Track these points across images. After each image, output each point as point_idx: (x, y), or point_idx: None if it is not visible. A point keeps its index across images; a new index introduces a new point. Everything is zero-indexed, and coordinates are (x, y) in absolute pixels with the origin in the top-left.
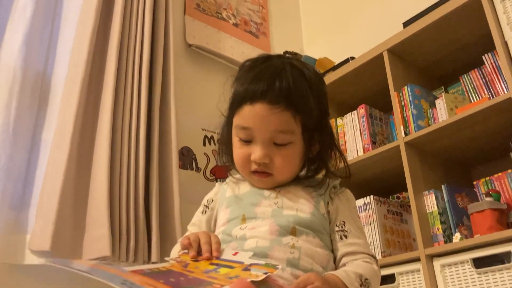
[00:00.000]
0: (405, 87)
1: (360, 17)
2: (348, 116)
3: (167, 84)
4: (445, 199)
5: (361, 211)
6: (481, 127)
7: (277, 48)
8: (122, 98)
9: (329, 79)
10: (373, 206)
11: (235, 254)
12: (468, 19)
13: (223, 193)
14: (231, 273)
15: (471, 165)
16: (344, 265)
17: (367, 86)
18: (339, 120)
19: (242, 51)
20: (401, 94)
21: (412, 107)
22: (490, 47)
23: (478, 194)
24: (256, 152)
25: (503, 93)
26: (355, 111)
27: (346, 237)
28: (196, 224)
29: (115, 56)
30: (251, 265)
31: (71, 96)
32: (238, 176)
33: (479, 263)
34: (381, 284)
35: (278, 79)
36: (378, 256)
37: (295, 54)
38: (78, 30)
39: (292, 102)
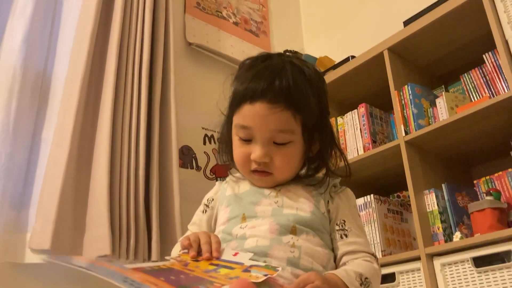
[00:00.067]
0: (406, 86)
1: (360, 16)
2: (349, 115)
3: (167, 83)
4: (446, 198)
5: (362, 210)
6: (481, 126)
7: (278, 47)
8: (122, 97)
9: (329, 78)
10: (373, 205)
11: (235, 254)
12: (468, 18)
13: (223, 192)
14: (231, 274)
15: (471, 164)
16: (344, 264)
17: (367, 85)
18: (339, 119)
19: (242, 50)
20: (401, 93)
21: (412, 106)
22: (490, 46)
23: (478, 193)
24: (256, 151)
25: (503, 92)
26: (356, 110)
27: (346, 236)
28: (197, 223)
29: (115, 55)
30: (251, 266)
31: (71, 95)
32: (238, 175)
33: (479, 262)
34: (382, 283)
35: (278, 78)
36: (378, 255)
37: (296, 52)
38: (78, 29)
39: (292, 101)
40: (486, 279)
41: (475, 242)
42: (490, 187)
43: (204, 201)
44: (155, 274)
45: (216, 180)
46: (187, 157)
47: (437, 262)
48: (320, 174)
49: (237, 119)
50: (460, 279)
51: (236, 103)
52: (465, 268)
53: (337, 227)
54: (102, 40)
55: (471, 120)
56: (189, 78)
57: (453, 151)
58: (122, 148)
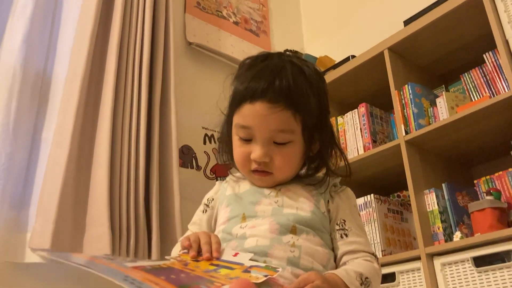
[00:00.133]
0: (406, 86)
1: (360, 16)
2: (349, 115)
3: (167, 82)
4: (446, 197)
5: (362, 210)
6: (481, 126)
7: (278, 46)
8: (122, 97)
9: (329, 77)
10: (373, 205)
11: (235, 255)
12: (469, 17)
13: (223, 191)
14: (231, 274)
15: (471, 163)
16: (344, 263)
17: (367, 85)
18: (339, 118)
19: (243, 49)
20: (401, 93)
21: (412, 105)
22: (491, 45)
23: (478, 192)
24: (256, 151)
25: (504, 92)
26: (356, 110)
27: (346, 235)
28: (197, 223)
29: (115, 55)
30: (251, 267)
31: (71, 95)
32: (238, 174)
33: (479, 261)
34: (382, 282)
35: (278, 78)
36: (379, 254)
37: (296, 52)
38: (78, 29)
39: (292, 101)
40: (486, 278)
41: (475, 242)
42: (490, 186)
43: (204, 201)
44: (155, 273)
45: (216, 180)
46: (187, 156)
47: (437, 262)
48: (320, 174)
49: (237, 119)
50: (460, 279)
51: (236, 102)
52: (465, 267)
53: (337, 227)
54: (102, 40)
55: (472, 120)
56: (189, 77)
57: (453, 150)
58: (122, 147)
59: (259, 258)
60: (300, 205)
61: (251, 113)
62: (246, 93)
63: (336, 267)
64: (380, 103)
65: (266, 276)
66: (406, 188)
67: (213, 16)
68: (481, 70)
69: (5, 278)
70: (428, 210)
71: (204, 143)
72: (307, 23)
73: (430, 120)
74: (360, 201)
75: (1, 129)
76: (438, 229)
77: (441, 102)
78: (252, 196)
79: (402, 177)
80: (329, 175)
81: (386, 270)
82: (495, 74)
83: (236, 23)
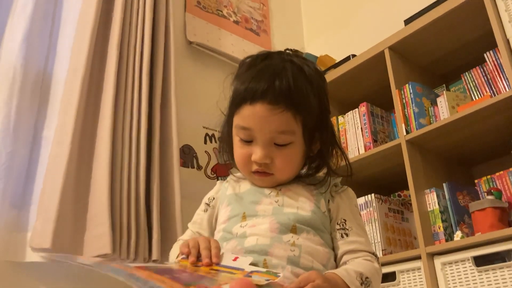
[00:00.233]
0: (407, 85)
1: (361, 15)
2: (350, 114)
3: (168, 81)
4: (446, 197)
5: (362, 209)
6: (482, 125)
7: (278, 45)
8: (123, 96)
9: (330, 76)
10: (374, 204)
11: (235, 259)
12: (469, 16)
13: (224, 191)
14: (233, 277)
15: (472, 163)
16: (345, 263)
17: (368, 84)
18: (340, 118)
19: (243, 48)
20: (402, 92)
21: (413, 105)
22: (491, 44)
23: (479, 192)
24: (257, 152)
25: (504, 91)
26: (357, 109)
27: (347, 235)
28: (198, 222)
29: (116, 54)
30: (252, 272)
31: (72, 94)
32: (239, 174)
33: (480, 261)
34: (382, 282)
35: (278, 79)
36: (379, 254)
37: (296, 51)
38: (79, 28)
39: (292, 102)
40: (486, 278)
41: (476, 241)
42: (491, 186)
43: (205, 200)
44: (160, 272)
45: (217, 179)
46: (188, 156)
47: (438, 261)
48: (321, 174)
49: (237, 120)
50: (461, 278)
51: (236, 103)
52: (465, 267)
53: (337, 226)
54: (102, 39)
55: (472, 119)
56: (190, 77)
57: (454, 150)
58: (122, 147)
59: (259, 257)
60: (301, 204)
61: (251, 114)
62: (246, 94)
63: (337, 266)
64: (380, 103)
65: (267, 280)
66: (407, 188)
67: (214, 15)
68: (481, 70)
69: (5, 277)
70: (428, 209)
71: (205, 142)
72: (308, 22)
73: (431, 119)
74: (361, 200)
75: (2, 128)
76: (439, 228)
77: (442, 102)
78: (253, 195)
79: (403, 176)
80: (330, 175)
81: (387, 270)
82: (496, 73)
83: (236, 22)
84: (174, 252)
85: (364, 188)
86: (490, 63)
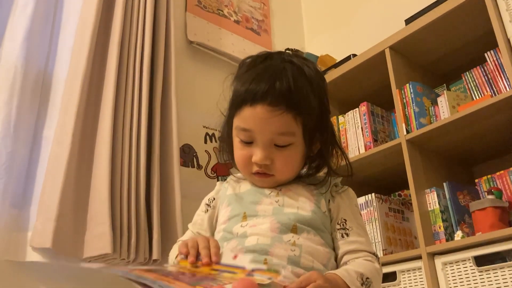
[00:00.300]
0: (407, 85)
1: (361, 14)
2: (350, 114)
3: (168, 81)
4: (447, 197)
5: (363, 209)
6: (483, 125)
7: (279, 45)
8: (123, 95)
9: (330, 76)
10: (374, 204)
11: (235, 257)
12: (470, 16)
13: (224, 191)
14: (235, 277)
15: (473, 163)
16: (345, 263)
17: (368, 84)
18: (340, 117)
19: (243, 48)
20: (403, 92)
21: (414, 104)
22: (492, 44)
23: (480, 192)
24: (257, 154)
25: (505, 91)
26: (357, 109)
27: (347, 235)
28: (198, 223)
29: (116, 53)
30: (253, 270)
31: (72, 93)
32: (239, 175)
33: (480, 261)
34: (383, 282)
35: (278, 80)
36: (379, 254)
37: (297, 51)
38: (79, 28)
39: (292, 103)
40: (487, 278)
41: (476, 241)
42: (492, 186)
43: (205, 201)
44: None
45: (217, 179)
46: (188, 155)
47: (438, 261)
48: (322, 174)
49: (237, 121)
50: (462, 278)
51: (236, 105)
52: (466, 267)
53: (338, 226)
54: (103, 38)
55: (473, 119)
56: (190, 76)
57: (454, 149)
58: (123, 146)
59: (260, 257)
60: (301, 204)
61: (251, 116)
62: (247, 96)
63: (337, 266)
64: (381, 102)
65: (270, 278)
66: (407, 187)
67: (214, 15)
68: (482, 69)
69: (6, 277)
70: (429, 209)
71: (205, 142)
72: (308, 22)
73: (432, 119)
74: (361, 200)
75: (2, 128)
76: (439, 228)
77: (443, 101)
78: (253, 196)
79: (403, 176)
80: (330, 175)
81: (387, 270)
82: (497, 73)
83: (237, 22)
84: (174, 253)
85: (365, 187)
86: (491, 62)
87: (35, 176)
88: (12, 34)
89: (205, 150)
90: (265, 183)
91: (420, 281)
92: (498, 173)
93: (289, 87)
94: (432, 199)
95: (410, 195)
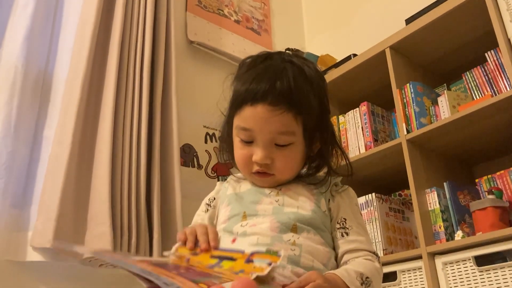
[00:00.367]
0: (407, 84)
1: (362, 14)
2: (350, 114)
3: (169, 81)
4: (447, 196)
5: (363, 209)
6: (483, 125)
7: (279, 45)
8: (124, 95)
9: (331, 76)
10: (374, 204)
11: (233, 241)
12: (470, 16)
13: (224, 191)
14: (235, 267)
15: (473, 162)
16: (345, 262)
17: (369, 83)
18: (341, 117)
19: (244, 48)
20: (403, 91)
21: (414, 104)
22: (493, 44)
23: (480, 191)
24: (258, 153)
25: (505, 91)
26: (357, 109)
27: (347, 234)
28: (198, 223)
29: (117, 53)
30: (252, 254)
31: (73, 93)
32: (239, 174)
33: (481, 260)
34: (383, 282)
35: (279, 80)
36: (380, 253)
37: (297, 51)
38: (79, 27)
39: (293, 103)
40: (487, 278)
41: (476, 241)
42: (492, 185)
43: (205, 201)
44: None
45: (217, 179)
46: (188, 155)
47: (439, 261)
48: (322, 173)
49: (238, 121)
50: (462, 278)
51: (236, 104)
52: (466, 267)
53: (338, 225)
54: (103, 38)
55: (473, 119)
56: (191, 76)
57: (455, 149)
58: (123, 146)
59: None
60: (301, 204)
61: (252, 115)
62: (247, 95)
63: (337, 266)
64: (381, 102)
65: (270, 264)
66: (408, 187)
67: (215, 15)
68: (483, 69)
69: (6, 276)
70: (429, 209)
71: (205, 141)
72: (309, 21)
73: (432, 119)
74: (362, 200)
75: (3, 127)
76: (440, 228)
77: (443, 101)
78: (253, 195)
79: (404, 176)
80: (330, 175)
81: (388, 269)
82: (497, 73)
83: (237, 21)
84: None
85: (365, 187)
86: (491, 62)
87: (35, 176)
88: (13, 34)
89: (206, 150)
90: (265, 183)
91: (421, 281)
92: (498, 173)
93: (289, 86)
94: (432, 199)
95: (410, 195)
